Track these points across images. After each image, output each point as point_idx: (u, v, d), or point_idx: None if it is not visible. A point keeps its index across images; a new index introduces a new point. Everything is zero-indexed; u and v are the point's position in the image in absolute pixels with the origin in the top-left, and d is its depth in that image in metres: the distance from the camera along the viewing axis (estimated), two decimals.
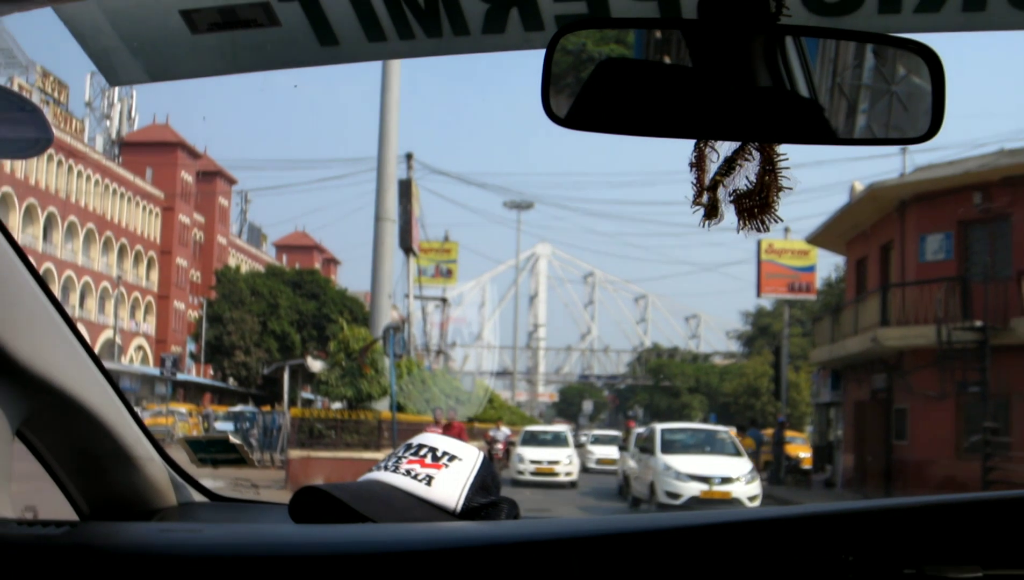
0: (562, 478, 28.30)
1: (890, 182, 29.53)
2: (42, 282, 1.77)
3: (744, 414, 53.18)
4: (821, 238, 35.77)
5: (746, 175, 1.23)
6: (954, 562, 1.37)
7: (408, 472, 1.79)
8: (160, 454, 2.07)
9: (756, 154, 1.23)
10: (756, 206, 1.22)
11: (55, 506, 1.92)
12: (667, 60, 1.26)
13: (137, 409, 2.02)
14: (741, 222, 1.23)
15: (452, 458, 1.83)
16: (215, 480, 2.22)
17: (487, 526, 1.69)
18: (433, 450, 1.84)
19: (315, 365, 36.53)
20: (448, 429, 22.74)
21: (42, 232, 58.41)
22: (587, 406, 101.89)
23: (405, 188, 27.41)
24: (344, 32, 1.48)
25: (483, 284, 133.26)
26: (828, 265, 38.75)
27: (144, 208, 71.84)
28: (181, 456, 2.19)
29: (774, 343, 50.28)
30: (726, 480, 20.20)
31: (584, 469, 34.16)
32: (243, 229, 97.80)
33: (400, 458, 1.83)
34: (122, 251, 68.11)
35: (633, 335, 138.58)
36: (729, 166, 1.23)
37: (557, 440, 31.11)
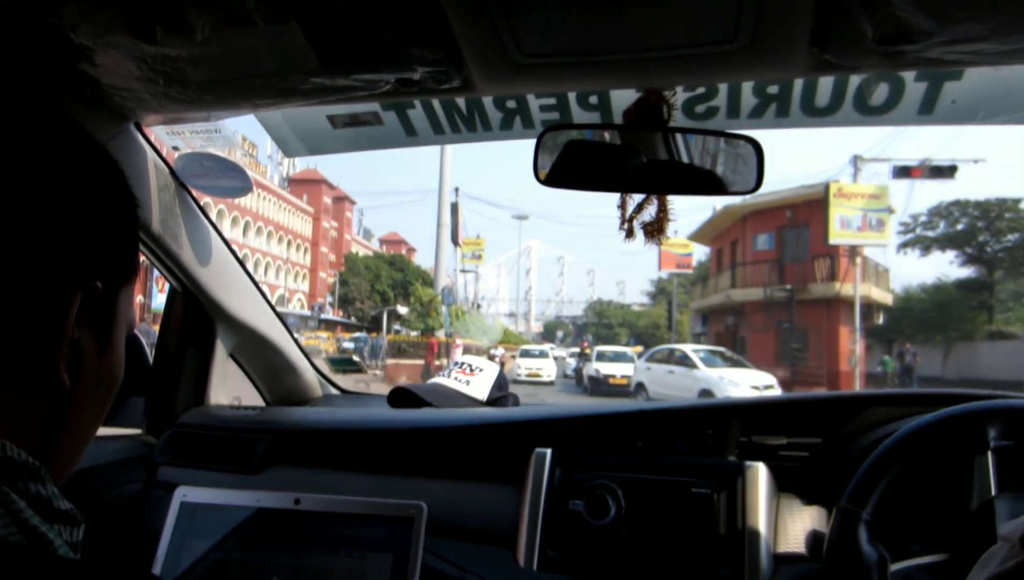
0: (544, 379, 27.67)
1: (737, 204, 29.37)
2: (242, 263, 1.78)
3: (651, 339, 53.01)
4: (696, 237, 35.54)
5: (649, 212, 1.24)
6: (770, 433, 1.39)
7: (456, 378, 1.82)
8: (312, 366, 2.09)
9: (656, 200, 1.23)
10: (654, 230, 1.23)
11: (251, 398, 1.95)
12: (611, 144, 1.27)
13: (298, 336, 2.03)
14: (646, 239, 1.24)
15: (481, 370, 1.85)
16: (344, 382, 2.21)
17: (503, 411, 1.69)
18: (470, 365, 1.87)
19: (402, 310, 36.52)
20: (430, 340, 22.81)
21: (242, 232, 58.14)
22: (559, 334, 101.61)
23: (454, 207, 27.14)
24: (420, 128, 1.49)
25: (499, 263, 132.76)
26: (700, 252, 38.57)
27: (302, 218, 71.31)
28: (325, 367, 2.19)
29: (668, 298, 50.18)
30: (769, 387, 16.46)
31: (565, 375, 32.99)
32: (360, 230, 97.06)
33: (451, 370, 1.86)
34: (288, 243, 67.66)
35: (586, 293, 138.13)
36: (640, 207, 1.24)
37: (542, 354, 30.56)
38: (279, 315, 1.92)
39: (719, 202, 31.00)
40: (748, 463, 1.31)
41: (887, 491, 1.03)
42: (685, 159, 1.21)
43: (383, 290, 64.36)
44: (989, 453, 1.07)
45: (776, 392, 16.21)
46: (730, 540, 1.23)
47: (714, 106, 1.37)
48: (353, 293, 65.39)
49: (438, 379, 1.85)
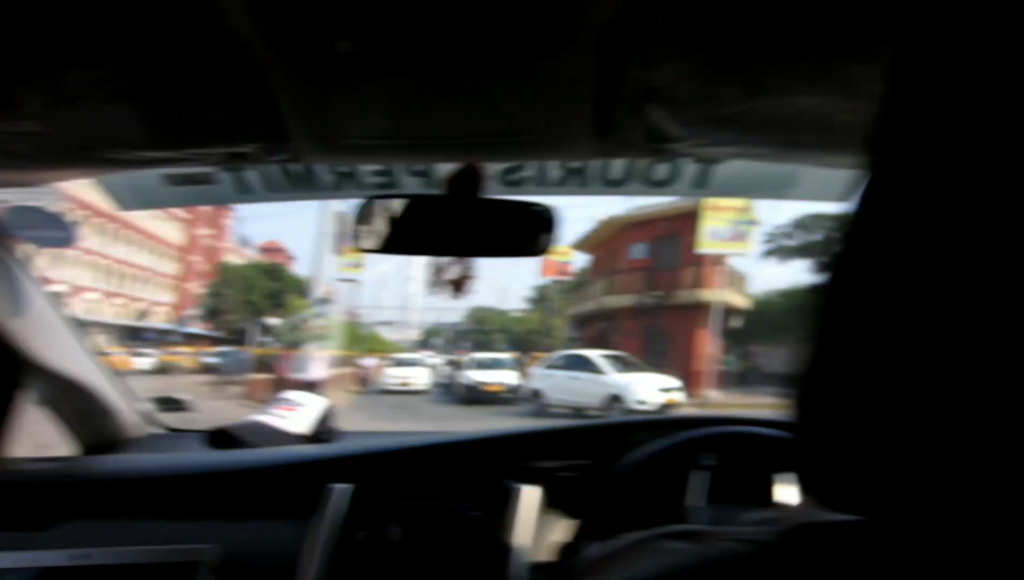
0: (414, 387, 26.38)
1: (620, 214, 30.22)
2: (62, 311, 1.68)
3: (528, 345, 53.35)
4: (578, 245, 36.23)
5: (455, 270, 1.36)
6: (550, 458, 1.54)
7: (274, 414, 1.84)
8: (135, 405, 1.97)
9: (463, 261, 1.36)
10: (458, 285, 1.36)
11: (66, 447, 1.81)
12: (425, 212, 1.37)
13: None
14: (452, 292, 1.36)
15: (302, 405, 1.88)
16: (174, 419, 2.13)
17: (305, 448, 1.72)
18: (290, 401, 1.89)
19: (273, 322, 35.03)
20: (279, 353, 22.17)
21: (105, 241, 54.56)
22: (438, 341, 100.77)
23: (339, 216, 26.64)
24: (256, 187, 1.56)
25: (382, 272, 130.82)
26: (584, 260, 39.52)
27: (173, 225, 67.92)
28: (150, 406, 2.09)
29: (547, 304, 51.06)
30: (676, 389, 16.12)
31: (440, 384, 31.86)
32: (238, 238, 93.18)
33: (271, 407, 1.88)
34: (156, 253, 64.24)
35: (467, 300, 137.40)
36: (446, 267, 1.36)
37: (413, 363, 29.93)
38: (99, 360, 1.82)
39: (604, 212, 31.68)
40: (521, 486, 1.45)
41: (621, 504, 1.24)
42: (491, 225, 1.32)
43: (255, 301, 62.13)
44: (701, 471, 1.32)
45: (680, 395, 16.24)
46: (498, 556, 1.37)
47: (526, 176, 1.52)
48: (223, 305, 62.73)
49: (257, 416, 1.86)
